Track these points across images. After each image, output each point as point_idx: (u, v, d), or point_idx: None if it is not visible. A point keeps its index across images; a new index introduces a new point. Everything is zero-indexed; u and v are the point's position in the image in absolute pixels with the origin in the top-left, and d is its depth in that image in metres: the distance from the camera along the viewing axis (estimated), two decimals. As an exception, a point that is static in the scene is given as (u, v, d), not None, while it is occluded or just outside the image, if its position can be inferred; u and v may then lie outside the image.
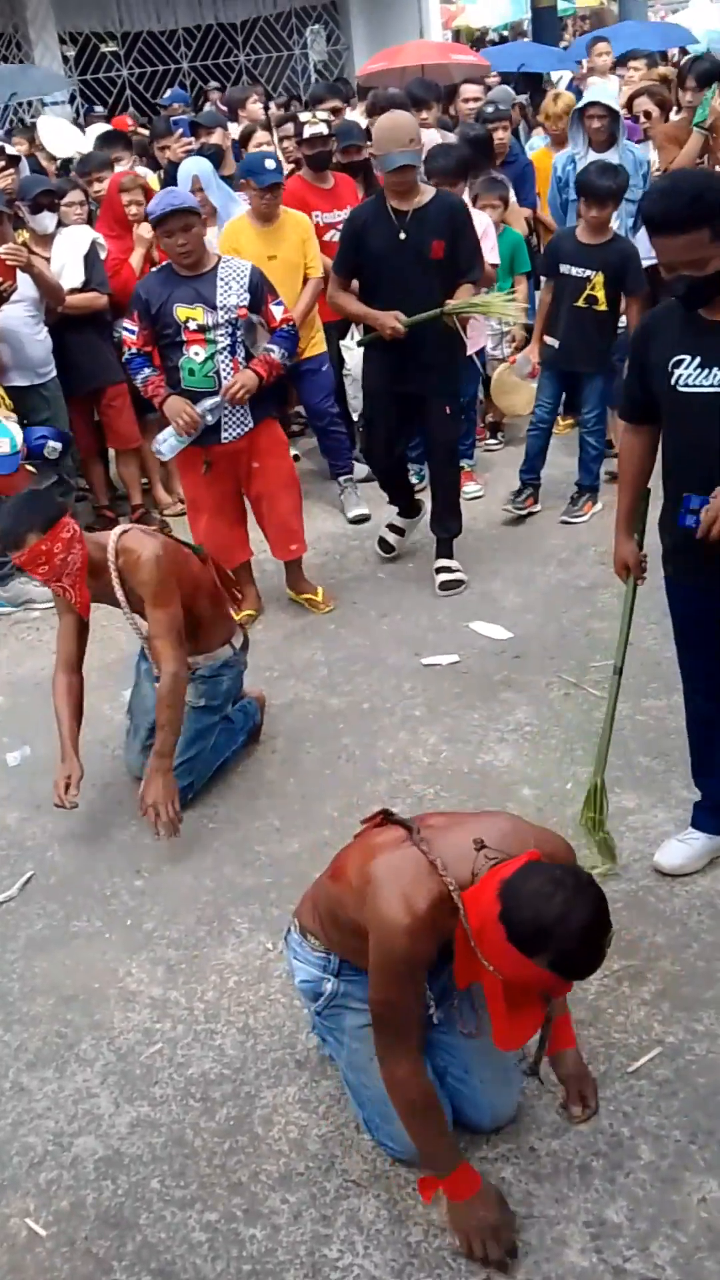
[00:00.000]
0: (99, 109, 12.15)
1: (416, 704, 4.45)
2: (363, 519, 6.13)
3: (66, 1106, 2.85)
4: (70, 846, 3.85)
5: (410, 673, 4.67)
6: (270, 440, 4.96)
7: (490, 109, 7.05)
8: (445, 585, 5.27)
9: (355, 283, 5.04)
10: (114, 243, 6.10)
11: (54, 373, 5.87)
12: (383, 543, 5.69)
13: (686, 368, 2.86)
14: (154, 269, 4.97)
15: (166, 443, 4.75)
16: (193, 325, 4.60)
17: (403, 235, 4.84)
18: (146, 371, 4.73)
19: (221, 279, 4.63)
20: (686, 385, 2.87)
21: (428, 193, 4.92)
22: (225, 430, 4.77)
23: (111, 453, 6.61)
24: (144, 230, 5.93)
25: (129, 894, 3.57)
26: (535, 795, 3.82)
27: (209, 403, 4.66)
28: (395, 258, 4.86)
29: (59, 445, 5.68)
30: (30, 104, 13.26)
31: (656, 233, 2.73)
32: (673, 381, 2.89)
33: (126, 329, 4.78)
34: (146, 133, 8.60)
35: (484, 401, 6.85)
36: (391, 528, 5.69)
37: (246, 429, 4.81)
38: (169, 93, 11.69)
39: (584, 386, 5.78)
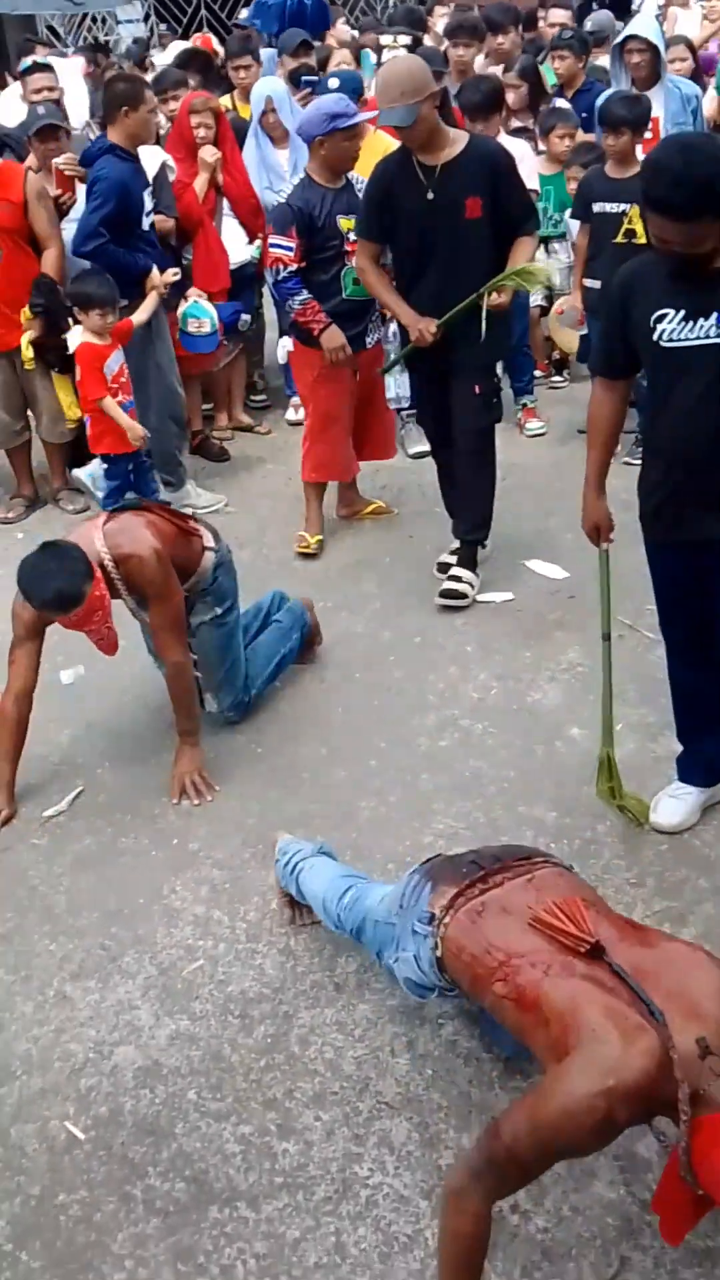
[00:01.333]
0: (172, 27, 11.98)
1: (468, 640, 4.43)
2: (422, 455, 6.06)
3: (108, 1017, 2.90)
4: (120, 766, 3.89)
5: (463, 609, 4.64)
6: (377, 346, 5.02)
7: (569, 34, 6.85)
8: (447, 594, 4.61)
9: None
10: (180, 166, 6.03)
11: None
12: (449, 593, 4.66)
13: (670, 322, 2.78)
14: (298, 184, 4.84)
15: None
16: (352, 235, 4.62)
17: (431, 195, 4.22)
18: (305, 295, 4.69)
19: (357, 191, 4.71)
20: (670, 340, 2.79)
21: (459, 141, 4.25)
22: (370, 335, 4.91)
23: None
24: (207, 154, 5.84)
25: (175, 814, 3.62)
26: (583, 735, 3.80)
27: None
28: (425, 221, 4.26)
29: (249, 317, 5.85)
30: (104, 21, 13.11)
31: (660, 214, 2.64)
32: (655, 337, 2.81)
33: (281, 246, 4.71)
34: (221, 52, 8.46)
35: (548, 339, 6.74)
36: (453, 577, 4.70)
37: (380, 334, 4.94)
38: (244, 13, 11.48)
39: None
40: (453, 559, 4.79)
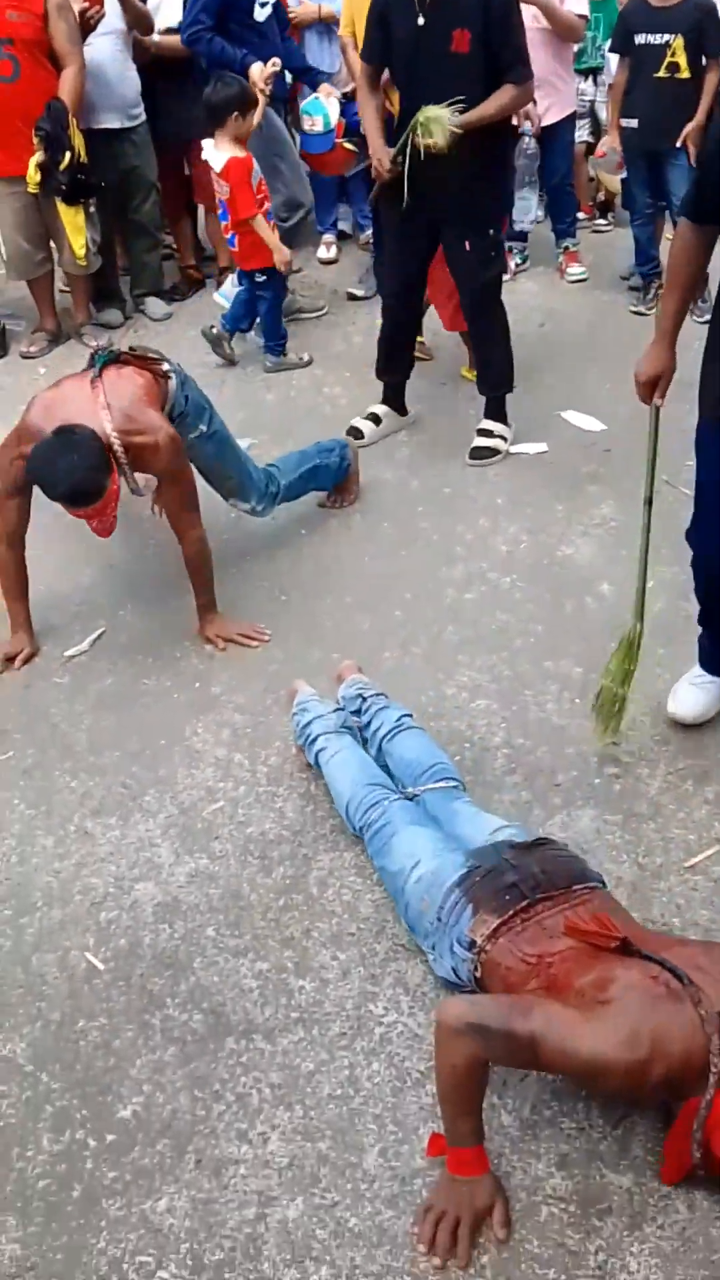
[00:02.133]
0: None
1: (499, 492, 4.34)
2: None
3: (128, 853, 2.92)
4: (143, 607, 3.86)
5: (496, 459, 4.53)
6: None
7: None
8: (476, 452, 4.53)
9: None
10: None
11: (144, 118, 5.60)
12: (353, 430, 4.71)
13: None
14: None
15: None
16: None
17: (421, 20, 3.93)
18: None
19: None
20: None
21: None
22: None
23: (200, 210, 6.35)
24: None
25: (198, 657, 3.59)
26: (613, 591, 3.74)
27: None
28: (414, 49, 4.00)
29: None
30: None
31: None
32: None
33: None
34: None
35: (594, 180, 6.46)
36: (370, 415, 4.76)
37: None
38: None
39: (667, 169, 5.37)
40: (382, 411, 4.72)
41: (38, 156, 5.16)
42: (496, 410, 4.60)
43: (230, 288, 5.56)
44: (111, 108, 5.47)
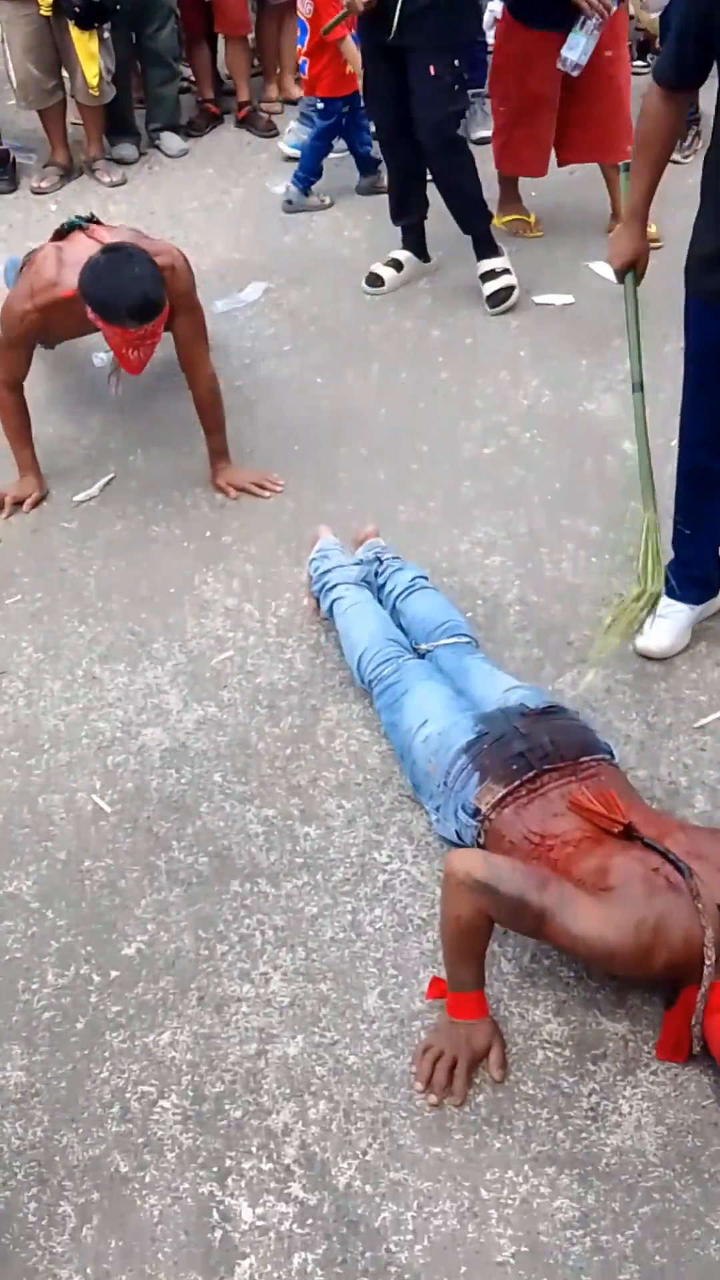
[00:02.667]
0: None
1: (522, 344, 4.21)
2: (485, 140, 5.61)
3: (136, 699, 2.91)
4: (154, 453, 3.79)
5: (519, 309, 4.39)
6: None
7: None
8: (494, 298, 4.36)
9: None
10: None
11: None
12: (372, 277, 4.56)
13: None
14: None
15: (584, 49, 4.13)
16: None
17: None
18: None
19: None
20: None
21: None
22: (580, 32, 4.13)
23: (220, 40, 6.05)
24: None
25: (209, 506, 3.53)
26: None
27: None
28: None
29: None
30: None
31: None
32: None
33: None
34: None
35: (632, 18, 6.11)
36: (391, 261, 4.59)
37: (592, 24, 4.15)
38: None
39: None
40: (403, 256, 4.54)
41: None
42: (486, 246, 4.42)
43: (297, 134, 5.33)
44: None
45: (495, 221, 4.69)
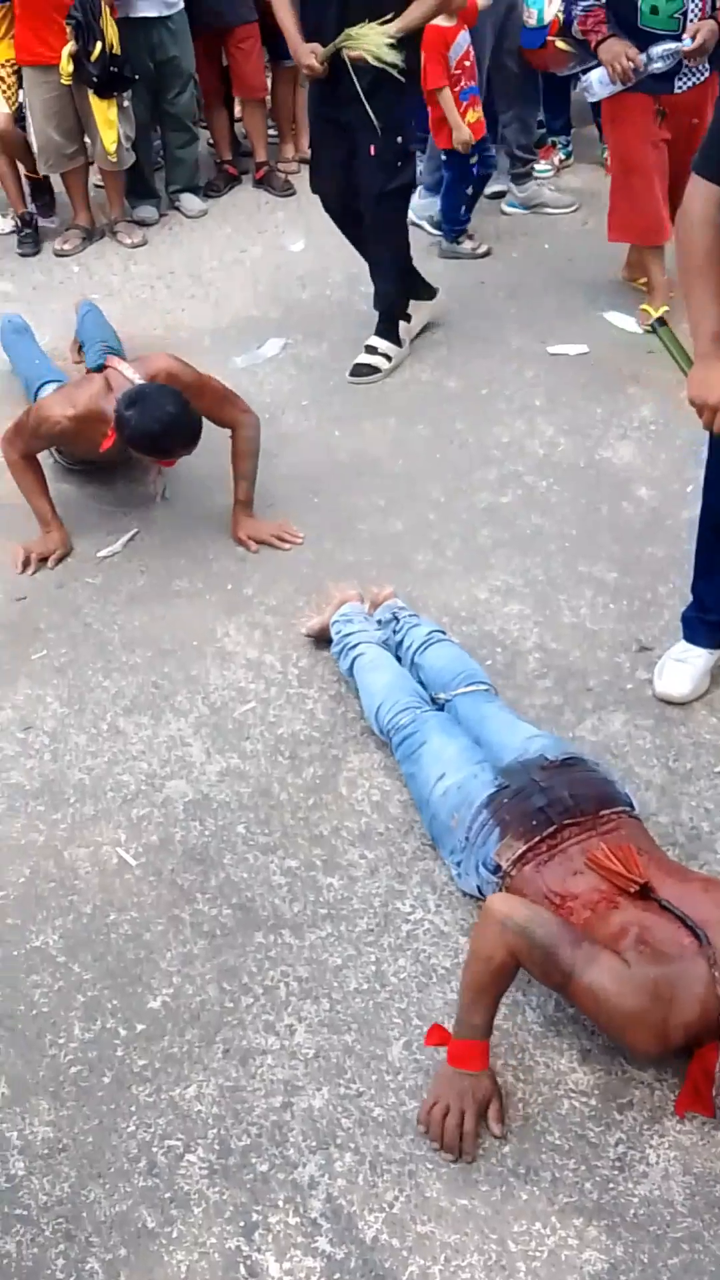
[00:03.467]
0: None
1: (537, 393, 4.26)
2: (499, 194, 5.70)
3: (160, 751, 2.94)
4: (176, 508, 3.83)
5: (534, 359, 4.44)
6: (715, 93, 4.11)
7: None
8: (358, 369, 4.39)
9: None
10: None
11: (181, 4, 5.42)
12: (358, 368, 4.44)
13: None
14: None
15: (600, 84, 4.11)
16: None
17: None
18: (591, 0, 4.02)
19: None
20: None
21: None
22: (681, 78, 4.05)
23: (237, 103, 6.19)
24: None
25: (230, 559, 3.57)
26: (652, 496, 3.68)
27: (665, 48, 3.94)
28: None
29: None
30: None
31: None
32: None
33: None
34: None
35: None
36: (368, 349, 4.46)
37: (702, 78, 4.08)
38: None
39: None
40: (382, 345, 4.50)
41: (70, 46, 5.03)
42: (387, 328, 4.44)
43: (425, 208, 5.46)
44: (148, -6, 5.30)
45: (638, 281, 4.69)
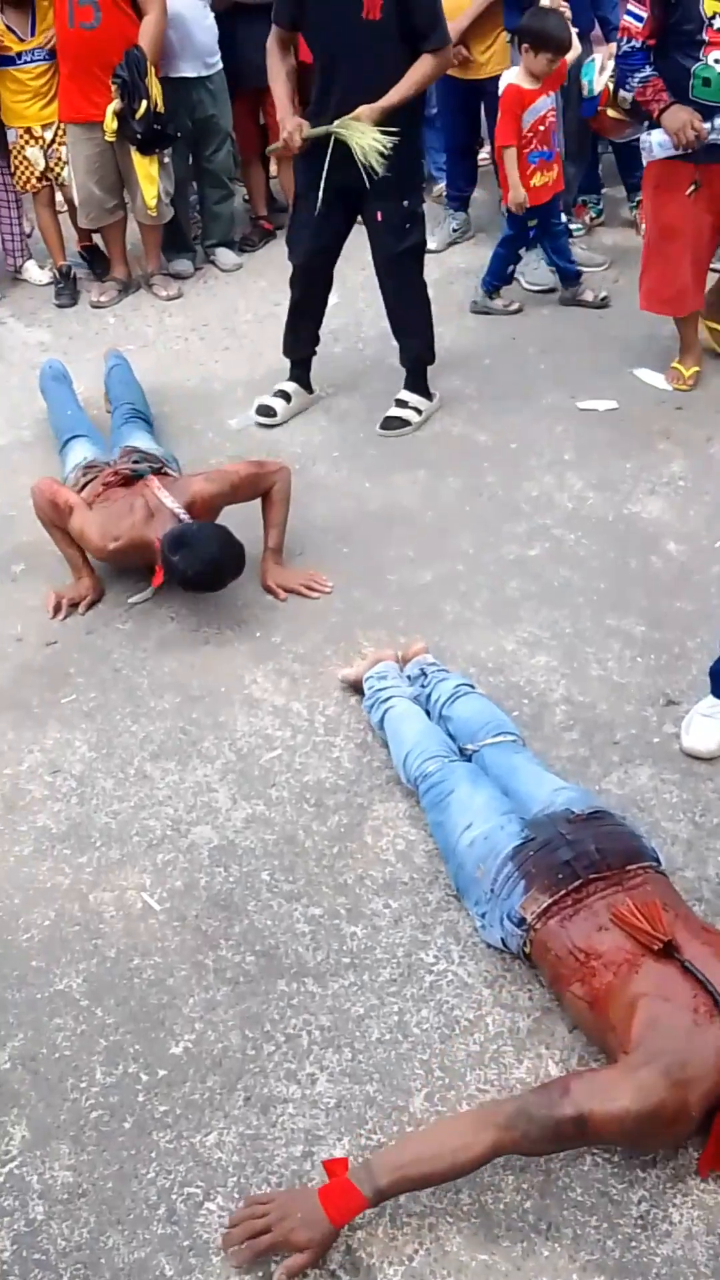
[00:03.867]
0: None
1: (566, 447, 4.29)
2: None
3: (186, 797, 2.96)
4: (206, 556, 3.87)
5: (564, 415, 4.48)
6: None
7: None
8: (386, 422, 4.46)
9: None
10: None
11: (220, 65, 5.54)
12: (264, 408, 4.57)
13: None
14: None
15: (660, 146, 4.06)
16: (717, 23, 3.79)
17: None
18: (648, 71, 3.95)
19: None
20: None
21: None
22: None
23: (273, 160, 6.30)
24: None
25: (260, 607, 3.60)
26: (680, 551, 3.69)
27: None
28: (327, 15, 3.80)
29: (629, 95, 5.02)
30: None
31: None
32: None
33: (631, 14, 3.96)
34: None
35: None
36: (279, 393, 4.61)
37: None
38: None
39: None
40: (290, 388, 4.62)
41: (115, 104, 5.15)
42: (416, 382, 4.51)
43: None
44: (189, 55, 5.41)
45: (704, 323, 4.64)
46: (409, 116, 3.94)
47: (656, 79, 3.96)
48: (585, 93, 5.10)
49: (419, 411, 4.49)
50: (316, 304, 4.51)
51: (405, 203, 4.12)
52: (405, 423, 4.46)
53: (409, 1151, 1.98)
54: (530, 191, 4.97)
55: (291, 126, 3.90)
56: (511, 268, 5.31)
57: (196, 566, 3.37)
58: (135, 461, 3.80)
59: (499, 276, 5.31)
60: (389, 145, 3.80)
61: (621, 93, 4.34)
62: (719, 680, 2.96)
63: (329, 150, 3.90)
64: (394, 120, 3.85)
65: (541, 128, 4.88)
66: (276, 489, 3.64)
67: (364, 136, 3.82)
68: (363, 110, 3.83)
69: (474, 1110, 2.04)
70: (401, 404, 4.49)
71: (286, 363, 4.65)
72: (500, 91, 4.88)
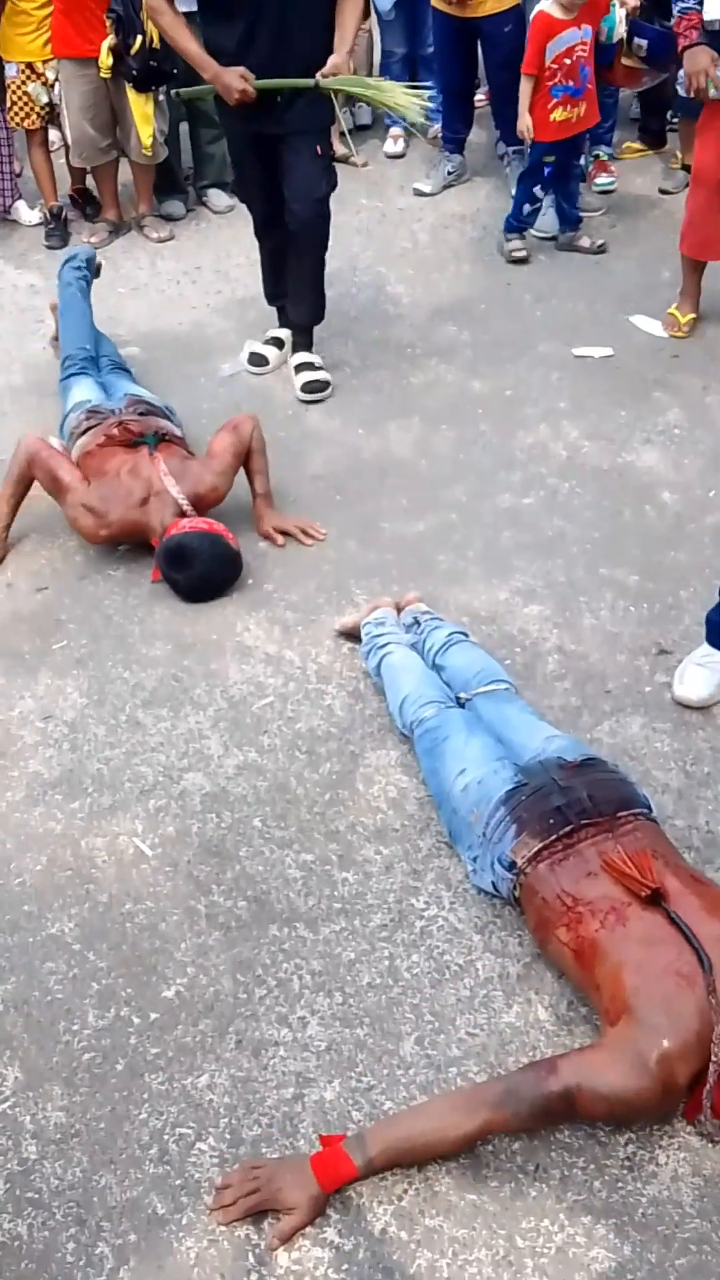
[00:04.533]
0: None
1: (562, 396, 4.26)
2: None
3: (178, 744, 2.96)
4: (198, 503, 3.85)
5: (559, 363, 4.45)
6: None
7: None
8: (308, 387, 4.33)
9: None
10: None
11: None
12: (256, 357, 4.54)
13: None
14: None
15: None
16: None
17: None
18: (691, 2, 3.89)
19: None
20: None
21: None
22: None
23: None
24: None
25: (252, 555, 3.59)
26: (675, 500, 3.68)
27: None
28: None
29: (644, 42, 5.01)
30: None
31: None
32: None
33: None
34: None
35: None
36: (272, 340, 4.57)
37: None
38: None
39: None
40: (283, 334, 4.54)
41: (110, 39, 5.06)
42: (306, 342, 4.47)
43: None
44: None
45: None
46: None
47: (696, 13, 3.90)
48: (603, 39, 5.00)
49: (322, 365, 4.41)
50: (286, 249, 4.39)
51: (330, 141, 4.12)
52: (326, 383, 4.36)
53: (402, 1127, 2.01)
54: (551, 127, 4.86)
55: (234, 76, 3.74)
56: (528, 208, 5.18)
57: (195, 585, 3.39)
58: (141, 413, 3.75)
59: (517, 217, 5.21)
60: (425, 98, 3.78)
61: (637, 40, 4.28)
62: (714, 628, 2.96)
63: (278, 99, 3.81)
64: (315, 64, 3.78)
65: (568, 60, 4.74)
66: (254, 441, 3.61)
67: (396, 95, 3.79)
68: (339, 64, 3.77)
69: (465, 1089, 2.06)
70: (308, 366, 4.39)
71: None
72: (530, 17, 4.78)
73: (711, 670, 2.96)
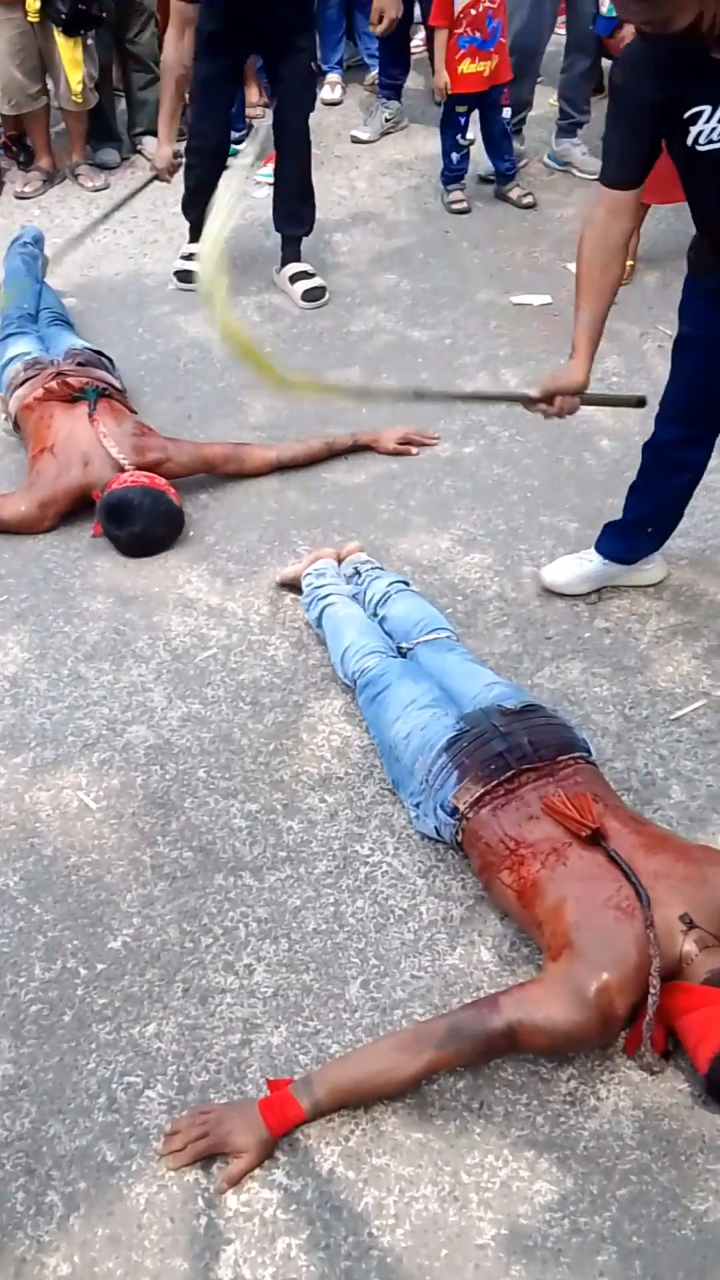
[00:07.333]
0: None
1: (501, 344, 4.25)
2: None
3: (121, 697, 2.94)
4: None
5: (498, 311, 4.44)
6: None
7: None
8: (309, 295, 4.50)
9: None
10: None
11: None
12: (184, 274, 4.64)
13: (707, 121, 2.25)
14: None
15: None
16: None
17: None
18: None
19: None
20: (710, 143, 2.28)
21: None
22: None
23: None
24: None
25: (192, 507, 3.56)
26: (613, 447, 3.70)
27: None
28: None
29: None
30: None
31: None
32: (690, 141, 2.29)
33: None
34: None
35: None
36: (190, 256, 4.61)
37: None
38: None
39: None
40: (297, 267, 4.58)
41: None
42: (296, 252, 4.60)
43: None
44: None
45: None
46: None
47: None
48: (604, 10, 4.94)
49: (316, 271, 4.56)
50: (217, 173, 4.27)
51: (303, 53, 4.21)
52: (324, 288, 4.51)
53: (348, 1069, 2.03)
54: (458, 78, 4.83)
55: (165, 156, 4.29)
56: (456, 156, 5.15)
57: (136, 541, 3.35)
58: (80, 363, 3.69)
59: (449, 167, 5.18)
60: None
61: None
62: (605, 537, 3.08)
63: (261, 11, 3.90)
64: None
65: (474, 11, 4.73)
66: (286, 459, 3.66)
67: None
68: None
69: (410, 1029, 2.08)
70: (305, 274, 4.53)
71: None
72: None
73: (580, 563, 3.12)
